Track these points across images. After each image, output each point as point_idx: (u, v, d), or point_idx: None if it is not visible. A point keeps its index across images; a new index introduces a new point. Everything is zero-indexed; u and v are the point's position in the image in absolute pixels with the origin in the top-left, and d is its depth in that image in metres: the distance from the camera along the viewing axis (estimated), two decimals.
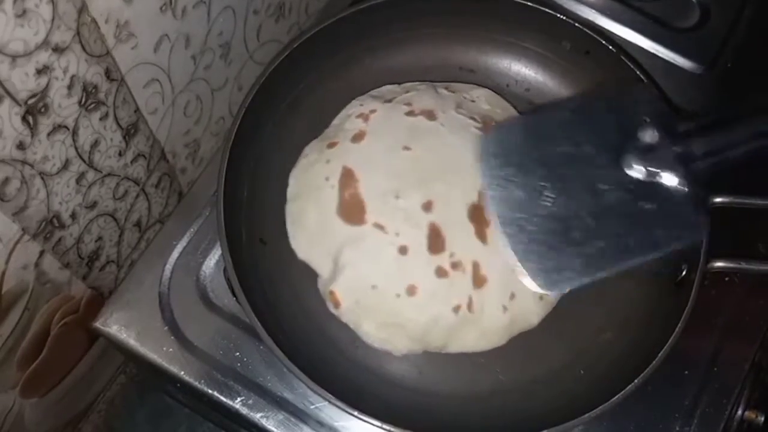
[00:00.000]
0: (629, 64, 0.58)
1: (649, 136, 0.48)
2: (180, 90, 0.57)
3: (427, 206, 0.53)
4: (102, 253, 0.58)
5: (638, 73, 0.57)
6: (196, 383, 0.56)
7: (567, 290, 0.50)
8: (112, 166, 0.54)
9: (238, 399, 0.55)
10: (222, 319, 0.58)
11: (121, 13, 0.46)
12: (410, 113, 0.57)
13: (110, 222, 0.57)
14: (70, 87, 0.45)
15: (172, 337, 0.57)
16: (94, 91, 0.48)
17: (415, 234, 0.53)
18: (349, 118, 0.58)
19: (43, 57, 0.42)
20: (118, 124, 0.52)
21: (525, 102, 0.61)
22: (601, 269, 0.48)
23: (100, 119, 0.50)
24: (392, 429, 0.48)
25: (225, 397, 0.55)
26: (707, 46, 0.70)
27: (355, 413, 0.48)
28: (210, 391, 0.56)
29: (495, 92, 0.61)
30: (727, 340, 0.57)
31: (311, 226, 0.55)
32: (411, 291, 0.52)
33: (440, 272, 0.52)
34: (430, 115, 0.57)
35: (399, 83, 0.61)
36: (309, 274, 0.56)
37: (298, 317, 0.55)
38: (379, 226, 0.53)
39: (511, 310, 0.53)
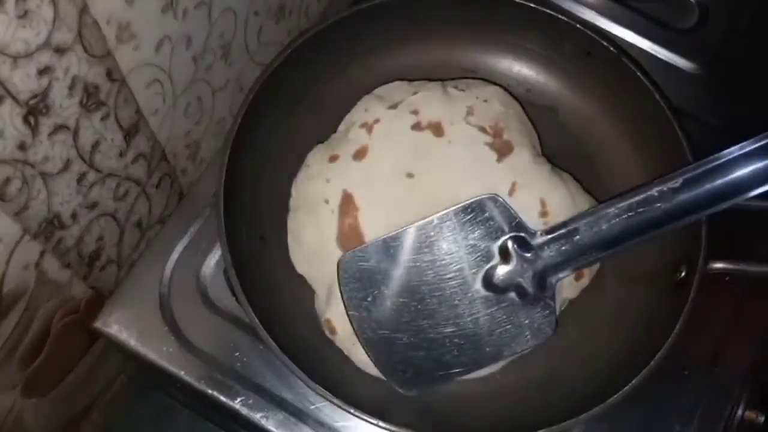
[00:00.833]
0: (630, 65, 0.58)
1: (500, 250, 0.50)
2: (181, 91, 0.57)
3: None
4: (102, 254, 0.58)
5: (639, 74, 0.57)
6: (196, 383, 0.56)
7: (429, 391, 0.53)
8: (112, 166, 0.54)
9: (238, 399, 0.55)
10: (222, 319, 0.58)
11: (122, 14, 0.46)
12: (416, 126, 0.56)
13: (111, 222, 0.57)
14: (71, 87, 0.45)
15: (172, 337, 0.57)
16: (95, 91, 0.48)
17: None
18: (353, 127, 0.57)
19: (45, 58, 0.42)
20: (119, 124, 0.52)
21: (527, 102, 0.61)
22: (458, 375, 0.52)
23: (101, 120, 0.50)
24: (391, 428, 0.48)
25: (225, 397, 0.56)
26: (706, 47, 0.70)
27: (355, 412, 0.48)
28: (210, 391, 0.56)
29: None
30: (727, 340, 0.57)
31: (309, 247, 0.55)
32: None
33: None
34: (438, 130, 0.55)
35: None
36: None
37: (298, 317, 0.55)
38: None
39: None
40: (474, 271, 0.50)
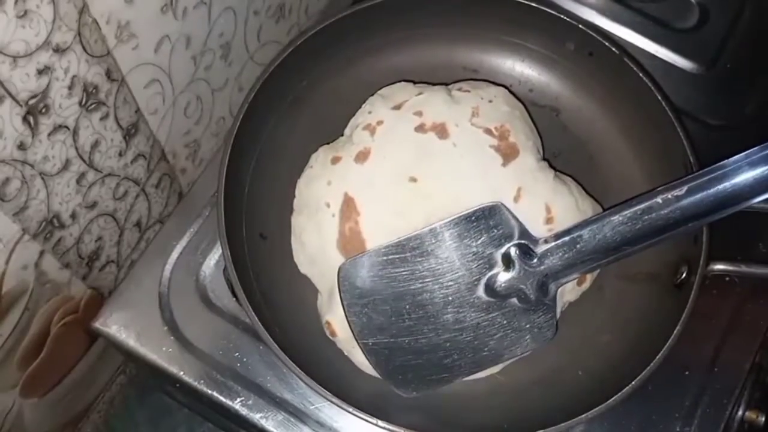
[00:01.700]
0: (632, 65, 0.58)
1: (503, 257, 0.50)
2: (180, 90, 0.57)
3: None
4: (102, 253, 0.58)
5: (641, 74, 0.57)
6: (195, 383, 0.56)
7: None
8: (112, 166, 0.54)
9: (238, 399, 0.55)
10: (222, 319, 0.58)
11: (122, 14, 0.46)
12: (420, 127, 0.55)
13: (110, 222, 0.57)
14: (70, 87, 0.45)
15: (172, 338, 0.57)
16: (94, 91, 0.47)
17: None
18: (356, 130, 0.56)
19: (44, 57, 0.42)
20: (118, 124, 0.52)
21: (529, 102, 0.61)
22: (457, 378, 0.52)
23: (101, 119, 0.50)
24: (391, 428, 0.48)
25: (224, 397, 0.55)
26: (707, 47, 0.70)
27: (355, 412, 0.48)
28: (209, 392, 0.56)
29: None
30: (727, 340, 0.57)
31: (312, 249, 0.55)
32: None
33: None
34: (442, 131, 0.54)
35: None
36: None
37: (298, 317, 0.55)
38: None
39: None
40: (476, 278, 0.50)
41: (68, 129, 0.47)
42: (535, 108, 0.62)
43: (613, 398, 0.48)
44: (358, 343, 0.51)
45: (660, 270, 0.55)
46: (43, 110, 0.44)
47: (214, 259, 0.60)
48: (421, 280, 0.50)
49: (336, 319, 0.53)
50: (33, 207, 0.47)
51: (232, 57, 0.62)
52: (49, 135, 0.45)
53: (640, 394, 0.49)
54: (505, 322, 0.51)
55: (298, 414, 0.55)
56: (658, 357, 0.49)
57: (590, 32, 0.59)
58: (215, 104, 0.63)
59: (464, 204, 0.51)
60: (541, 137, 0.59)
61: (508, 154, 0.55)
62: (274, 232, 0.57)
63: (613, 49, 0.58)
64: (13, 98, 0.41)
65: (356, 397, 0.49)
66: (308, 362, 0.49)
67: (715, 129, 0.67)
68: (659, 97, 0.57)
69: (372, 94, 0.58)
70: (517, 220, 0.50)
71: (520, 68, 0.64)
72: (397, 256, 0.50)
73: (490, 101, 0.57)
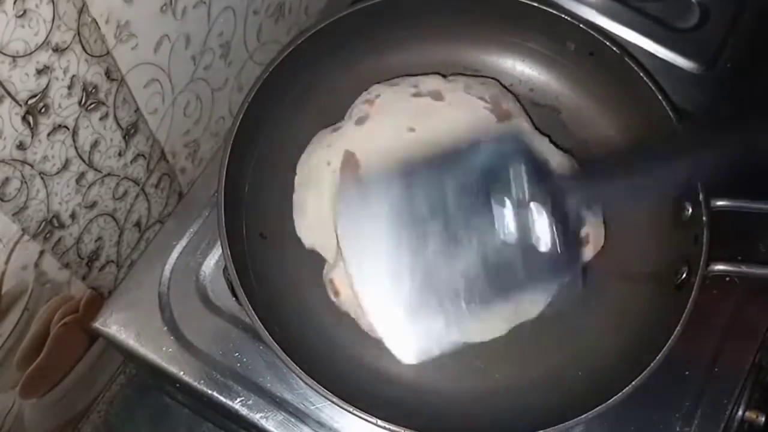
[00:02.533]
0: (633, 65, 0.58)
1: (523, 189, 0.49)
2: (180, 90, 0.57)
3: None
4: (102, 253, 0.58)
5: (641, 74, 0.57)
6: (195, 383, 0.56)
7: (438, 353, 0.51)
8: (111, 166, 0.54)
9: (238, 399, 0.55)
10: (222, 319, 0.58)
11: (121, 14, 0.46)
12: (417, 94, 0.56)
13: (110, 222, 0.57)
14: (70, 87, 0.45)
15: (172, 338, 0.57)
16: (94, 91, 0.47)
17: None
18: (355, 107, 0.58)
19: (44, 57, 0.42)
20: (118, 124, 0.52)
21: (529, 102, 0.61)
22: (463, 332, 0.51)
23: (100, 119, 0.50)
24: (392, 428, 0.48)
25: (224, 397, 0.55)
26: (707, 47, 0.70)
27: (355, 412, 0.48)
28: (209, 392, 0.56)
29: None
30: (727, 340, 0.57)
31: (313, 215, 0.55)
32: None
33: None
34: (437, 96, 0.56)
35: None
36: (309, 271, 0.56)
37: (299, 317, 0.55)
38: None
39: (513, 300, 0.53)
40: (495, 209, 0.49)
41: (68, 129, 0.47)
42: (535, 107, 0.62)
43: (613, 398, 0.48)
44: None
45: (660, 270, 0.55)
46: (43, 110, 0.44)
47: (214, 259, 0.60)
48: (429, 203, 0.49)
49: (339, 276, 0.52)
50: (32, 207, 0.47)
51: (232, 57, 0.61)
52: (48, 135, 0.45)
53: (640, 394, 0.49)
54: (526, 258, 0.50)
55: (298, 414, 0.55)
56: (658, 357, 0.49)
57: (591, 32, 0.59)
58: (215, 104, 0.63)
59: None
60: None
61: (502, 116, 0.56)
62: (274, 232, 0.57)
63: (614, 48, 0.58)
64: (13, 98, 0.41)
65: (356, 397, 0.49)
66: (308, 362, 0.49)
67: (715, 129, 0.67)
68: (660, 97, 0.57)
69: None
70: (536, 152, 0.50)
71: (521, 68, 0.64)
72: (405, 174, 0.49)
73: (482, 84, 0.59)
